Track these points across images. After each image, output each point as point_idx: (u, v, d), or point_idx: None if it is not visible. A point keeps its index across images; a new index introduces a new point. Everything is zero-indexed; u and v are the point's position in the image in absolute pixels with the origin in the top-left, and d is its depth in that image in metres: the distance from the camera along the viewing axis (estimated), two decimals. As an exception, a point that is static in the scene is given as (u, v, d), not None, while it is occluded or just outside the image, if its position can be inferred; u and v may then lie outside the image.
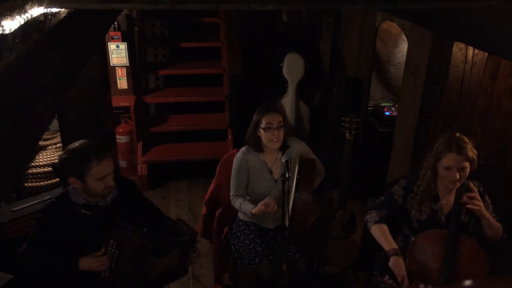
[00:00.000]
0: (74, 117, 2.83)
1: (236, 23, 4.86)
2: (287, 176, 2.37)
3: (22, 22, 1.09)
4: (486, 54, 2.62)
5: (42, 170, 3.81)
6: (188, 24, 5.38)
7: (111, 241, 2.13)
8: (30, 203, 3.04)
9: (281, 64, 4.62)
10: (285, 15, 5.74)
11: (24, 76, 1.20)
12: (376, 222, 2.35)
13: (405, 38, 3.92)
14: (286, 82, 4.68)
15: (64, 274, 2.10)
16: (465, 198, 2.23)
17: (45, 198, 3.08)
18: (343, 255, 3.07)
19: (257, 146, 2.72)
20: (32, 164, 3.80)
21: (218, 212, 3.03)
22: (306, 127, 4.87)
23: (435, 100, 2.81)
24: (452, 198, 2.31)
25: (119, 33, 4.49)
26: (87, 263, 2.08)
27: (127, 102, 4.57)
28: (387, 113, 4.02)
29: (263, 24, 5.62)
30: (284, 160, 2.54)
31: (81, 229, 2.11)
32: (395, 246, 2.23)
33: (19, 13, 1.08)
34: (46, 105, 1.43)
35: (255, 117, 2.70)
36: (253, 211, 2.62)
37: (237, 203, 2.73)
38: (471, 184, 2.30)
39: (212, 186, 3.03)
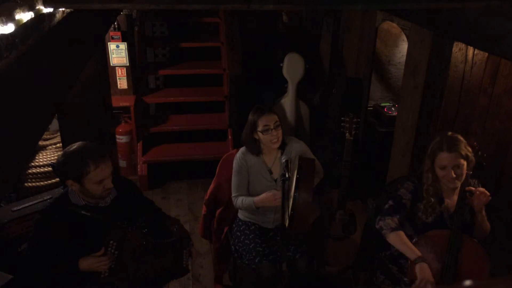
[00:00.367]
0: (74, 117, 2.82)
1: (236, 23, 4.86)
2: (287, 176, 2.37)
3: (22, 22, 1.09)
4: (486, 54, 2.62)
5: (42, 170, 3.81)
6: (188, 24, 5.38)
7: (111, 242, 2.13)
8: (30, 203, 3.04)
9: (281, 64, 4.62)
10: (285, 15, 5.75)
11: (24, 76, 1.20)
12: (393, 229, 2.28)
13: (405, 38, 3.92)
14: (286, 82, 4.68)
15: (64, 275, 2.10)
16: (469, 193, 2.22)
17: (45, 198, 3.08)
18: (343, 255, 3.07)
19: (256, 149, 2.72)
20: (32, 164, 3.80)
21: (218, 212, 3.03)
22: (306, 127, 4.87)
23: (435, 100, 2.81)
24: (455, 197, 2.31)
25: (119, 33, 4.49)
26: (87, 263, 2.08)
27: (127, 102, 4.57)
28: (387, 113, 4.02)
29: (263, 24, 5.62)
30: (284, 160, 2.54)
31: (81, 230, 2.11)
32: (419, 253, 2.19)
33: (19, 13, 1.08)
34: (46, 105, 1.43)
35: (250, 120, 2.70)
36: (256, 199, 2.62)
37: (238, 201, 2.72)
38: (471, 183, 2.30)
39: (212, 186, 3.03)
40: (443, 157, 2.19)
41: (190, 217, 4.08)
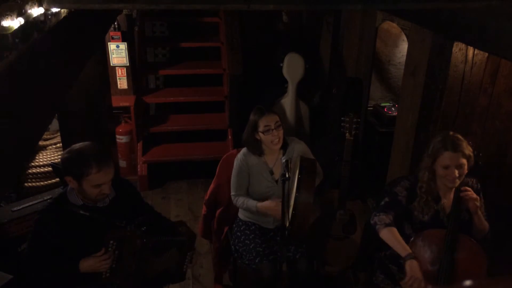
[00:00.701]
0: (74, 117, 2.83)
1: (236, 23, 4.86)
2: (287, 176, 2.37)
3: (22, 22, 1.09)
4: (486, 54, 2.62)
5: (42, 170, 3.81)
6: (188, 24, 5.38)
7: (111, 242, 2.13)
8: (30, 203, 3.04)
9: (281, 64, 4.62)
10: (285, 15, 5.75)
11: (24, 76, 1.20)
12: (387, 225, 2.29)
13: (405, 38, 3.92)
14: (286, 82, 4.68)
15: (65, 276, 2.10)
16: (463, 193, 2.23)
17: (45, 198, 3.08)
18: (343, 255, 3.08)
19: (257, 149, 2.72)
20: (32, 164, 3.80)
21: (218, 212, 3.03)
22: (306, 127, 4.87)
23: (435, 100, 2.81)
24: (451, 197, 2.32)
25: (119, 33, 4.49)
26: (88, 264, 2.08)
27: (127, 102, 4.56)
28: (387, 113, 4.02)
29: (263, 24, 5.62)
30: (284, 161, 2.54)
31: (80, 230, 2.11)
32: (409, 250, 2.20)
33: (19, 13, 1.08)
34: (46, 105, 1.43)
35: (251, 121, 2.70)
36: (259, 204, 2.62)
37: (239, 200, 2.73)
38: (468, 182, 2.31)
39: (212, 186, 3.03)
40: (447, 157, 2.19)
41: (190, 217, 4.08)
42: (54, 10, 1.35)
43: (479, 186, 2.36)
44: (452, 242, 2.21)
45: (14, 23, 1.05)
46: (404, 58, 3.47)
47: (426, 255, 2.23)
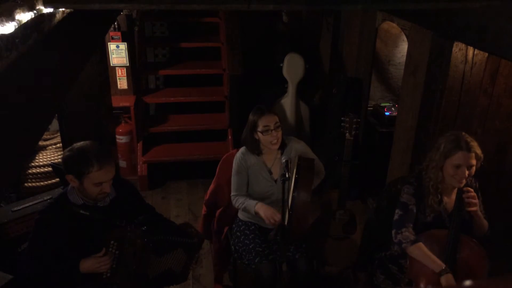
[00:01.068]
0: (74, 117, 2.83)
1: (236, 23, 4.86)
2: (287, 176, 2.37)
3: (22, 22, 1.09)
4: (486, 54, 2.62)
5: (42, 170, 3.81)
6: (188, 24, 5.38)
7: (112, 242, 2.13)
8: (30, 203, 3.04)
9: (281, 64, 4.62)
10: (285, 15, 5.75)
11: (24, 76, 1.20)
12: (413, 242, 2.26)
13: (405, 38, 3.92)
14: (286, 82, 4.68)
15: (65, 276, 2.10)
16: (467, 199, 2.23)
17: (45, 198, 3.08)
18: (343, 255, 3.08)
19: (256, 149, 2.72)
20: (32, 164, 3.81)
21: (218, 212, 3.03)
22: (306, 127, 4.87)
23: (435, 100, 2.81)
24: (453, 197, 2.32)
25: (119, 33, 4.49)
26: (88, 265, 2.08)
27: (127, 102, 4.57)
28: (387, 113, 4.02)
29: (263, 24, 5.62)
30: (284, 161, 2.54)
31: (81, 230, 2.11)
32: (443, 265, 2.18)
33: (19, 13, 1.08)
34: (46, 105, 1.43)
35: (250, 121, 2.70)
36: (258, 206, 2.61)
37: (239, 201, 2.72)
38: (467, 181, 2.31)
39: (212, 186, 3.03)
40: (461, 156, 2.18)
41: (190, 217, 4.08)
42: (54, 10, 1.35)
43: (477, 185, 2.36)
44: (454, 242, 2.21)
45: (13, 23, 1.05)
46: (404, 58, 3.47)
47: None
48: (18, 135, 1.18)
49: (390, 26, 4.02)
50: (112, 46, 4.51)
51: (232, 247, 2.86)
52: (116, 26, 4.49)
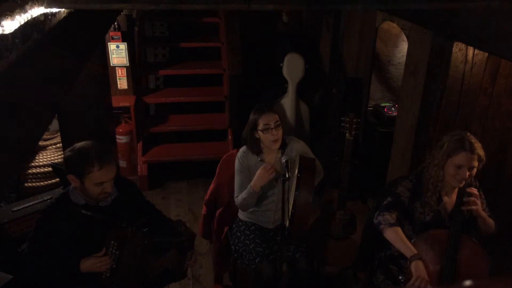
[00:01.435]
0: (74, 117, 2.83)
1: (236, 23, 4.86)
2: (287, 176, 2.37)
3: (22, 22, 1.09)
4: (486, 54, 2.62)
5: (42, 170, 3.81)
6: (188, 24, 5.38)
7: (112, 242, 2.12)
8: (30, 203, 3.04)
9: (281, 64, 4.62)
10: (285, 15, 5.75)
11: (24, 76, 1.20)
12: (392, 225, 2.27)
13: (405, 38, 3.92)
14: (286, 82, 4.68)
15: (65, 276, 2.10)
16: (467, 198, 2.23)
17: (45, 198, 3.08)
18: (343, 255, 3.08)
19: (256, 148, 2.72)
20: (32, 164, 3.81)
21: (218, 212, 3.03)
22: (306, 127, 4.87)
23: (435, 100, 2.81)
24: (454, 196, 2.31)
25: (119, 33, 4.49)
26: (88, 264, 2.08)
27: (127, 102, 4.57)
28: (387, 113, 4.02)
29: (263, 24, 5.62)
30: (284, 160, 2.54)
31: (82, 230, 2.11)
32: (415, 250, 2.19)
33: (19, 13, 1.08)
34: (46, 105, 1.43)
35: (251, 119, 2.70)
36: (252, 183, 2.59)
37: (239, 198, 2.70)
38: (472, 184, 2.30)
39: (212, 186, 3.03)
40: (463, 157, 2.17)
41: (190, 217, 4.08)
42: (54, 10, 1.35)
43: (477, 184, 2.36)
44: (455, 242, 2.21)
45: (14, 23, 1.05)
46: (404, 58, 3.47)
47: (429, 255, 2.23)
48: (18, 135, 1.18)
49: (390, 26, 4.02)
50: (112, 46, 4.51)
51: (232, 247, 2.86)
52: (116, 26, 4.49)
